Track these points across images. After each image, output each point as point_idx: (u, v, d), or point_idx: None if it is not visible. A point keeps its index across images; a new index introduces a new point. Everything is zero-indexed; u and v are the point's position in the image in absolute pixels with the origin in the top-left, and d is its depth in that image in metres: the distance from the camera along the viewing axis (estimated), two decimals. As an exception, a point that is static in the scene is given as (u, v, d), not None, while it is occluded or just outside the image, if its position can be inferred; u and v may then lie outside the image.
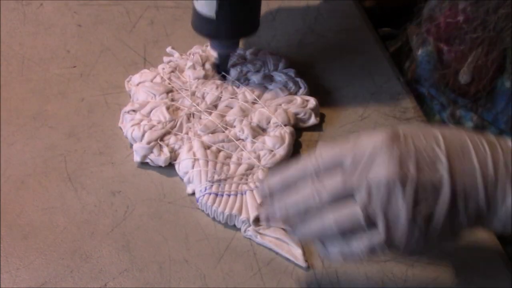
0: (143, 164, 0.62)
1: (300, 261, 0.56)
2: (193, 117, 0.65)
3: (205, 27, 0.63)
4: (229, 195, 0.59)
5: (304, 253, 0.56)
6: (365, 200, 0.45)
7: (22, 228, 0.58)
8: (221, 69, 0.69)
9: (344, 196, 0.46)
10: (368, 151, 0.45)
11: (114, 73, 0.71)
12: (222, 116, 0.65)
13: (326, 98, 0.70)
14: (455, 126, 0.53)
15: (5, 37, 0.74)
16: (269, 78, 0.69)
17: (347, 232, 0.46)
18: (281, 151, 0.62)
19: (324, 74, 0.72)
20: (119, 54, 0.73)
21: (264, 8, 0.78)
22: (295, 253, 0.56)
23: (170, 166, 0.62)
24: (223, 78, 0.69)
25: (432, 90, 0.70)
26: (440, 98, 0.69)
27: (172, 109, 0.65)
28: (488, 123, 0.65)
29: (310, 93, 0.69)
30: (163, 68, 0.69)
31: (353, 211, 0.45)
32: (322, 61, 0.74)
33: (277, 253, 0.57)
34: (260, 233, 0.57)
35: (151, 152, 0.62)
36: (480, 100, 0.65)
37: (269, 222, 0.51)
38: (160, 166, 0.62)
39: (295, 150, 0.64)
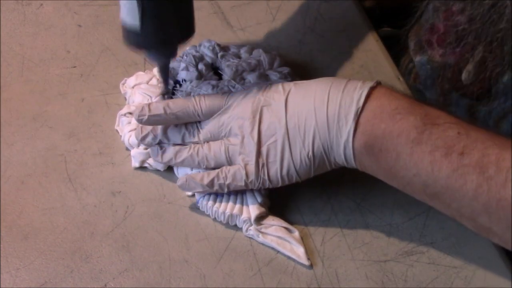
0: (147, 167, 0.62)
1: (303, 259, 0.56)
2: None
3: (132, 37, 0.58)
4: (229, 195, 0.59)
5: (306, 252, 0.56)
6: (230, 140, 0.58)
7: (22, 228, 0.58)
8: (162, 80, 0.64)
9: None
10: (233, 101, 0.58)
11: (114, 73, 0.70)
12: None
13: (326, 98, 0.69)
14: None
15: (5, 38, 0.74)
16: (264, 77, 0.68)
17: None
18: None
19: (324, 74, 0.72)
20: (119, 54, 0.73)
21: (264, 8, 0.79)
22: (298, 251, 0.56)
23: (169, 168, 0.62)
24: (219, 78, 0.68)
25: (432, 93, 0.70)
26: (439, 100, 0.69)
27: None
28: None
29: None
30: None
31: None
32: (322, 61, 0.74)
33: (279, 252, 0.57)
34: (262, 232, 0.57)
35: (149, 157, 0.62)
36: (483, 100, 0.65)
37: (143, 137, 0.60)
38: (161, 167, 0.62)
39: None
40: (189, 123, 0.60)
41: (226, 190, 0.58)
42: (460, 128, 0.50)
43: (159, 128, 0.60)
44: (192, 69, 0.67)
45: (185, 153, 0.59)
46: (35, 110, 0.67)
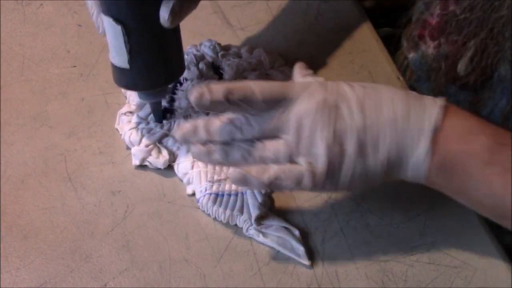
0: (143, 164, 0.62)
1: (303, 259, 0.56)
2: (190, 118, 0.65)
3: (122, 78, 0.58)
4: (229, 195, 0.59)
5: (306, 251, 0.56)
6: (292, 139, 0.52)
7: (22, 228, 0.58)
8: (155, 118, 0.63)
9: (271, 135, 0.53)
10: (296, 95, 0.52)
11: (114, 73, 0.70)
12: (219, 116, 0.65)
13: (326, 98, 0.69)
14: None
15: (5, 37, 0.74)
16: (265, 77, 0.68)
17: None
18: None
19: (324, 74, 0.72)
20: (119, 54, 0.73)
21: (264, 8, 0.79)
22: (298, 251, 0.56)
23: (169, 167, 0.62)
24: (219, 77, 0.68)
25: (428, 89, 0.70)
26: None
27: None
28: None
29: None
30: None
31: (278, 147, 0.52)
32: (322, 61, 0.74)
33: (278, 252, 0.57)
34: (262, 232, 0.57)
35: (150, 155, 0.62)
36: (479, 91, 0.64)
37: (183, 135, 0.54)
38: (161, 167, 0.62)
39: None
40: (236, 118, 0.53)
41: (279, 190, 0.55)
42: None
43: (202, 126, 0.54)
44: (193, 68, 0.67)
45: (236, 154, 0.53)
46: (35, 109, 0.67)
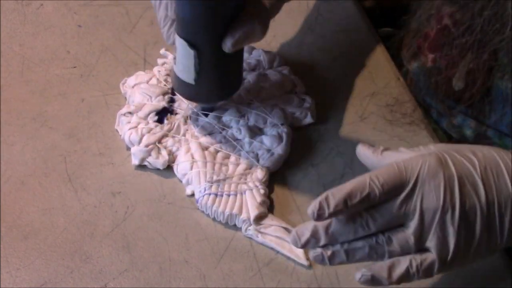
0: (143, 165, 0.62)
1: (302, 259, 0.56)
2: (190, 119, 0.65)
3: (186, 91, 0.62)
4: (228, 195, 0.59)
5: (305, 252, 0.56)
6: (418, 226, 0.48)
7: (22, 228, 0.58)
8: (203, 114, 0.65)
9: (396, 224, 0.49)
10: (417, 177, 0.48)
11: (114, 73, 0.70)
12: (219, 117, 0.65)
13: (325, 98, 0.69)
14: (482, 144, 0.54)
15: (5, 38, 0.74)
16: (264, 76, 0.68)
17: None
18: (279, 150, 0.62)
19: (324, 74, 0.72)
20: (119, 54, 0.73)
21: (264, 8, 0.78)
22: (297, 251, 0.57)
23: (169, 167, 0.62)
24: None
25: (429, 99, 0.70)
26: (437, 107, 0.69)
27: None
28: (487, 127, 0.65)
29: (310, 93, 0.69)
30: (159, 70, 0.69)
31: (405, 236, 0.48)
32: (322, 61, 0.74)
33: (278, 252, 0.57)
34: (261, 232, 0.57)
35: (149, 155, 0.62)
36: (475, 105, 0.64)
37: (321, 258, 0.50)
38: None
39: (292, 149, 0.64)
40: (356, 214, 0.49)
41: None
42: None
43: (322, 229, 0.49)
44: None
45: (360, 252, 0.49)
46: (35, 110, 0.67)
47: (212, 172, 0.60)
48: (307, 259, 0.56)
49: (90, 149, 0.64)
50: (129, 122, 0.64)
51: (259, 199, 0.59)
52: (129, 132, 0.63)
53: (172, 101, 0.66)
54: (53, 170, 0.62)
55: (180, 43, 0.58)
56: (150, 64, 0.71)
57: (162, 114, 0.65)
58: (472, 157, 0.49)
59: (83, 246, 0.57)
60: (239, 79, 0.64)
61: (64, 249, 0.56)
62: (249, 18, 0.57)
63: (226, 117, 0.65)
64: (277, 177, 0.62)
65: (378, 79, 0.72)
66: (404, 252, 0.48)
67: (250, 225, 0.58)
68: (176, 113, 0.65)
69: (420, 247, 0.48)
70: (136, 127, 0.64)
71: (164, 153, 0.62)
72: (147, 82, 0.68)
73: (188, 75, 0.60)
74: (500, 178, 0.48)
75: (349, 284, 0.55)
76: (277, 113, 0.65)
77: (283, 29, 0.77)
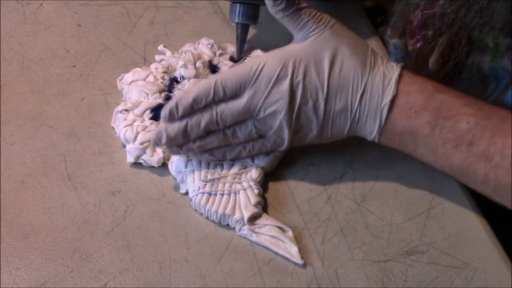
0: (138, 162, 0.62)
1: (296, 258, 0.56)
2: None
3: None
4: (222, 195, 0.59)
5: (299, 250, 0.56)
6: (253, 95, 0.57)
7: (22, 228, 0.58)
8: (237, 51, 0.69)
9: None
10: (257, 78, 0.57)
11: (114, 73, 0.70)
12: None
13: (326, 98, 0.69)
14: None
15: (5, 37, 0.74)
16: None
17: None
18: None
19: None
20: (119, 54, 0.73)
21: (264, 8, 0.78)
22: (291, 250, 0.56)
23: (164, 164, 0.62)
24: None
25: None
26: None
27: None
28: None
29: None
30: (156, 68, 0.69)
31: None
32: (322, 61, 0.73)
33: (272, 251, 0.57)
34: (255, 232, 0.57)
35: (144, 152, 0.62)
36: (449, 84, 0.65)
37: (160, 141, 0.59)
38: (160, 166, 0.62)
39: (292, 149, 0.64)
40: (205, 110, 0.58)
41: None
42: (470, 118, 0.54)
43: (177, 131, 0.59)
44: (190, 67, 0.67)
45: (211, 145, 0.59)
46: (35, 109, 0.67)
47: (207, 171, 0.60)
48: (302, 258, 0.56)
49: (90, 148, 0.64)
50: (125, 119, 0.64)
51: (253, 199, 0.58)
52: (124, 129, 0.63)
53: (168, 98, 0.66)
54: (53, 169, 0.62)
55: None
56: (150, 63, 0.71)
57: (158, 111, 0.65)
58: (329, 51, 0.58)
59: (83, 245, 0.57)
60: None
61: (64, 248, 0.56)
62: None
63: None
64: (277, 176, 0.62)
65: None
66: (247, 140, 0.59)
67: (244, 225, 0.58)
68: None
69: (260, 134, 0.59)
70: (131, 124, 0.63)
71: (159, 151, 0.62)
72: (144, 79, 0.68)
73: None
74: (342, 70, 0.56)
75: (349, 284, 0.55)
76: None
77: (283, 29, 0.76)
